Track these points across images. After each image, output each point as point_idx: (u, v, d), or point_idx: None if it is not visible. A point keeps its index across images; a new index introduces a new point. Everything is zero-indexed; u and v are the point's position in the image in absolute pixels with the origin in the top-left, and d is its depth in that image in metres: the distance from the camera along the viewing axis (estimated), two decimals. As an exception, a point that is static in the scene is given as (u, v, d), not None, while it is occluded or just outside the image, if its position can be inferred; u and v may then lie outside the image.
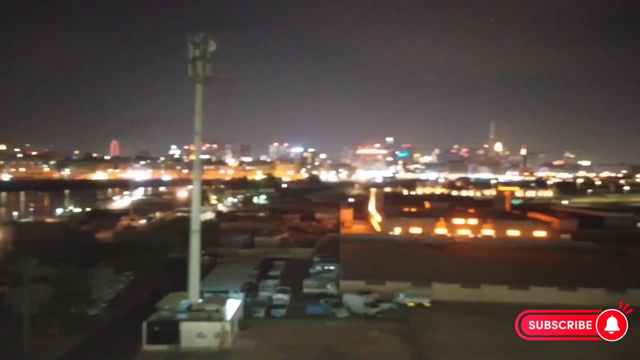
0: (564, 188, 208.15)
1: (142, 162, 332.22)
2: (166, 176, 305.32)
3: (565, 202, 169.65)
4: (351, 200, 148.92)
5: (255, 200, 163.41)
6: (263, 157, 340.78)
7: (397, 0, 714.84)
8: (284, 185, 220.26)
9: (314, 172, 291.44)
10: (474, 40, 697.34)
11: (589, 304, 51.06)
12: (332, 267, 62.93)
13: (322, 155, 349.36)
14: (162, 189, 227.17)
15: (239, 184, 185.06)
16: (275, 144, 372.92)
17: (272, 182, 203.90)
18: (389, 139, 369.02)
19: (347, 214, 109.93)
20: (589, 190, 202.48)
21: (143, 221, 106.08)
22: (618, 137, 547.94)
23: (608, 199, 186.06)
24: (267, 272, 61.32)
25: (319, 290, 53.92)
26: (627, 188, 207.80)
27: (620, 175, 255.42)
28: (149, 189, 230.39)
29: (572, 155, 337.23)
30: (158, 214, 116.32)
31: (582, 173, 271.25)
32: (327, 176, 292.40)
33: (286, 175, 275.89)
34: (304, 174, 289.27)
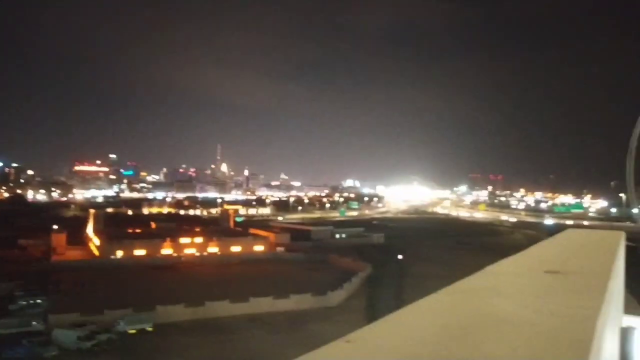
0: (280, 206, 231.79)
1: None
2: None
3: (280, 218, 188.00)
4: (65, 223, 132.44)
5: None
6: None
7: (126, 9, 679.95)
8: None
9: (19, 191, 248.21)
10: (202, 64, 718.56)
11: (299, 309, 58.66)
12: (39, 301, 54.96)
13: (30, 172, 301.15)
14: None
15: None
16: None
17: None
18: (113, 156, 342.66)
19: (59, 239, 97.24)
20: (300, 208, 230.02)
21: None
22: (322, 161, 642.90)
23: (314, 214, 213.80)
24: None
25: (22, 329, 46.47)
26: (328, 205, 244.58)
27: (323, 194, 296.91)
28: None
29: (286, 177, 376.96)
30: None
31: (294, 192, 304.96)
32: (37, 196, 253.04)
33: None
34: (4, 194, 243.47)
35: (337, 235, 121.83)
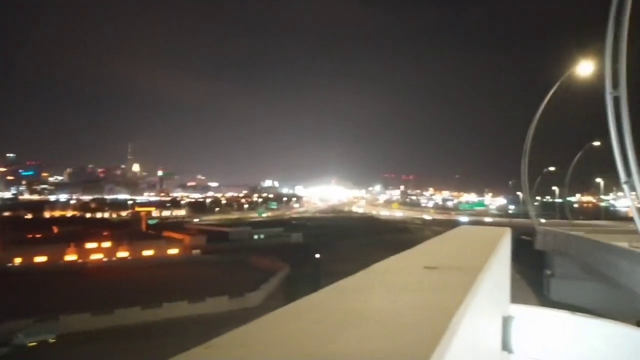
0: (196, 207, 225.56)
1: None
2: None
3: (196, 220, 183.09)
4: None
5: None
6: None
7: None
8: None
9: None
10: (112, 56, 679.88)
11: (216, 312, 57.47)
12: None
13: None
14: None
15: None
16: None
17: None
18: (10, 155, 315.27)
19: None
20: (217, 209, 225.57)
21: None
22: (240, 161, 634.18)
23: (232, 215, 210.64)
24: None
25: None
26: (246, 206, 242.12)
27: (241, 195, 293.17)
28: None
29: (203, 177, 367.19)
30: None
31: (211, 193, 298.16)
32: None
33: None
34: None
35: (256, 236, 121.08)
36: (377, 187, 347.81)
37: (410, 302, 2.20)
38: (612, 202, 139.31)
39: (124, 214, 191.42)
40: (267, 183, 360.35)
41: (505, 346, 4.45)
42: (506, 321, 4.48)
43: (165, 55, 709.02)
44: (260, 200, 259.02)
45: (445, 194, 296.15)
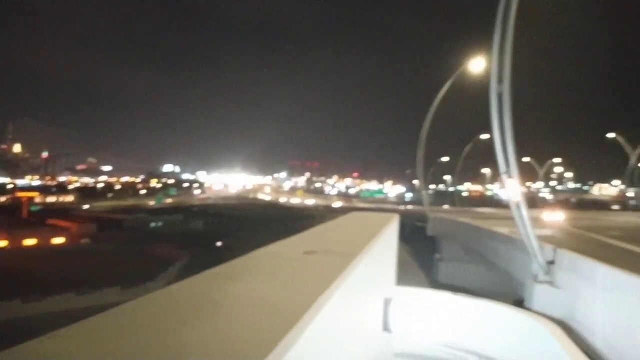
0: (86, 192, 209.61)
1: None
2: None
3: (86, 206, 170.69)
4: None
5: None
6: None
7: None
8: None
9: None
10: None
11: (106, 303, 53.95)
12: None
13: None
14: None
15: None
16: None
17: None
18: None
19: None
20: (110, 195, 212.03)
21: None
22: (138, 145, 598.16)
23: (127, 202, 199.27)
24: None
25: None
26: (143, 191, 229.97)
27: (138, 180, 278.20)
28: None
29: (94, 160, 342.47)
30: None
31: (104, 178, 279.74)
32: None
33: None
34: None
35: (153, 224, 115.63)
36: (283, 174, 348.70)
37: (280, 286, 2.25)
38: (496, 191, 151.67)
39: (2, 199, 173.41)
40: (167, 168, 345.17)
41: (386, 326, 4.50)
42: (387, 302, 4.53)
43: (56, 31, 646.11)
44: (159, 185, 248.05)
45: (348, 181, 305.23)
